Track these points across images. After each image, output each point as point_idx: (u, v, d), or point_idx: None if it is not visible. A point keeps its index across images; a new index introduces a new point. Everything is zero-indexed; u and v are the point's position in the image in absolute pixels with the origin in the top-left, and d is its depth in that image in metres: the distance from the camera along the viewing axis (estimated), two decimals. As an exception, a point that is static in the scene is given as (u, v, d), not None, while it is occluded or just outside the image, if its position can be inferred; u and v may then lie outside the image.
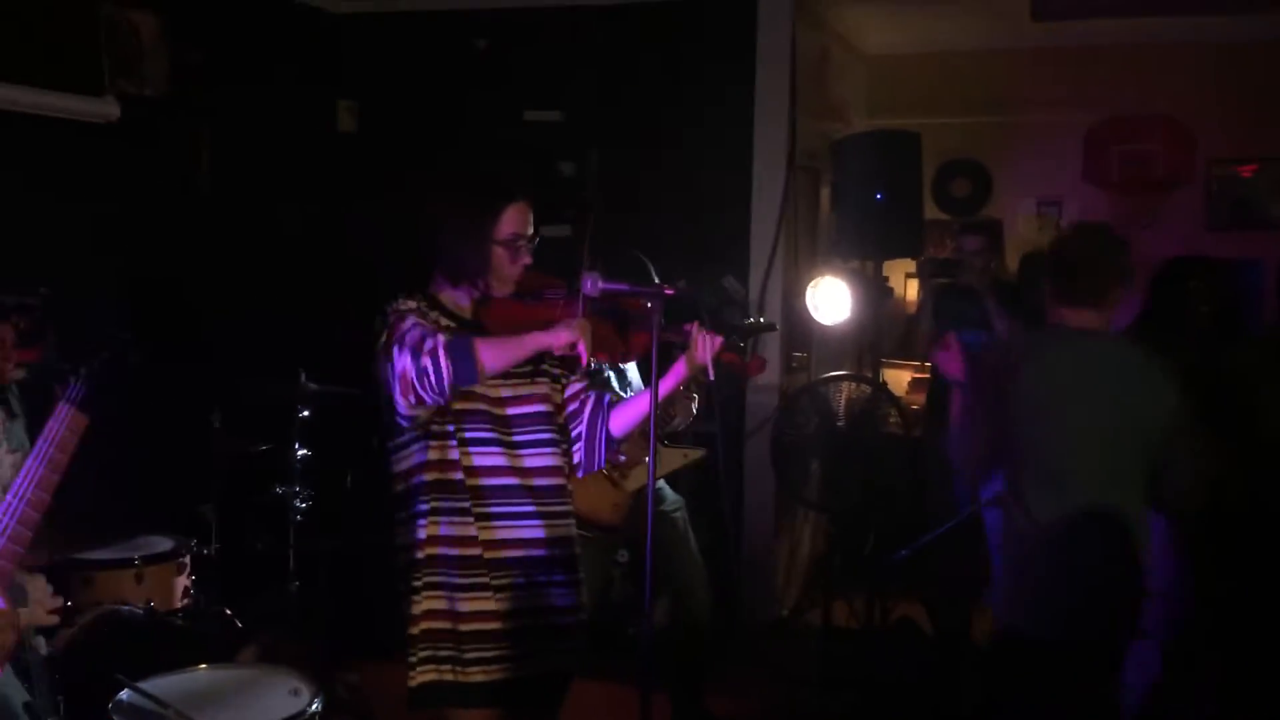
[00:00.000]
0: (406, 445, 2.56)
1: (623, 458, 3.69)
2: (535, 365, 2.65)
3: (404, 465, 2.58)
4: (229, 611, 3.83)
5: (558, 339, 2.46)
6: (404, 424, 2.52)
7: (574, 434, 2.71)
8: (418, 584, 2.54)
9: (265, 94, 5.25)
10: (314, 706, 2.75)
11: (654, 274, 3.86)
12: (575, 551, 2.70)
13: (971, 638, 5.03)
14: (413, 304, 2.56)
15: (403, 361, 2.38)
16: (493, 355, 2.42)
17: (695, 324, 2.66)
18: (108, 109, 4.44)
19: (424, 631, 2.55)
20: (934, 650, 4.80)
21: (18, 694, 2.30)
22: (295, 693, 2.79)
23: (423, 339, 2.40)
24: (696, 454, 4.13)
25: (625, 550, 4.59)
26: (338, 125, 5.74)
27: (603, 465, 2.77)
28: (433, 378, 2.36)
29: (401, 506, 2.59)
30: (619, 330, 2.70)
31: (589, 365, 2.64)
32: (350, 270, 5.29)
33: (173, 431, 4.18)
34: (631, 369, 3.97)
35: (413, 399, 2.40)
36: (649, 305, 2.55)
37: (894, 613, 5.03)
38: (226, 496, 4.08)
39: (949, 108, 6.22)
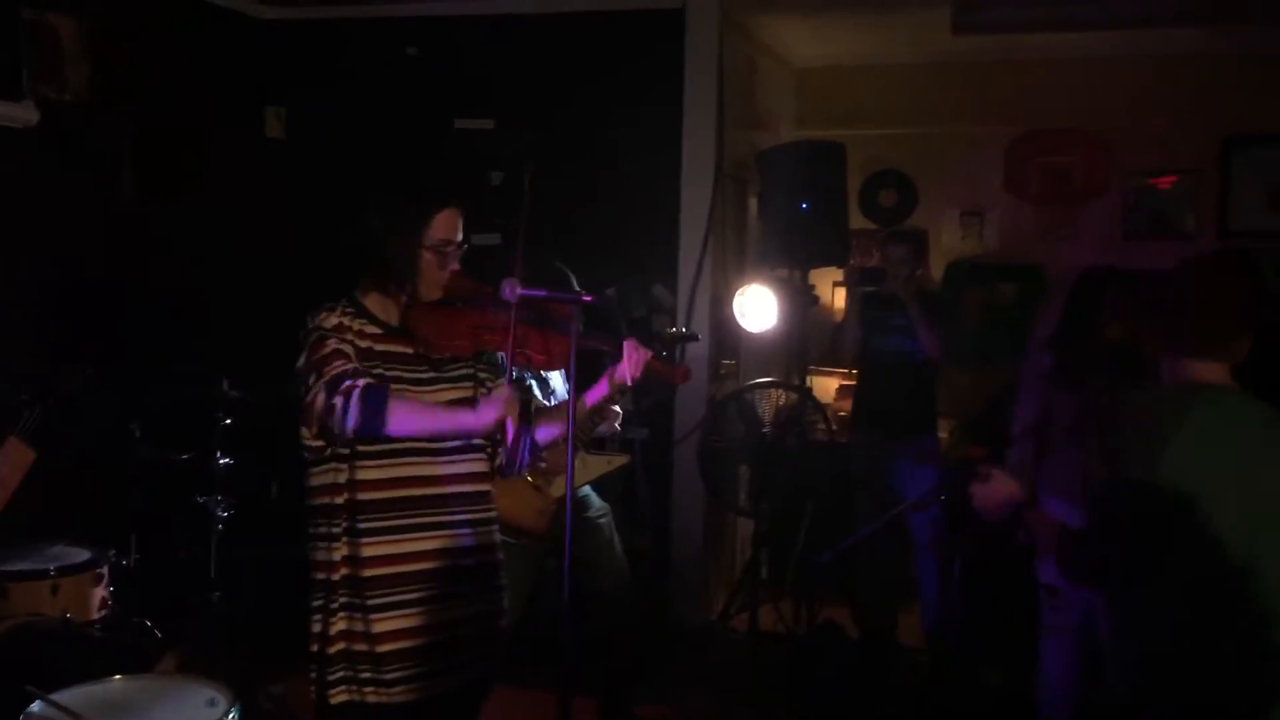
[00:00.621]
0: (320, 463, 2.54)
1: (544, 464, 3.71)
2: (464, 369, 2.66)
3: (317, 482, 2.55)
4: (148, 622, 3.78)
5: (483, 420, 2.47)
6: (305, 452, 2.53)
7: (498, 438, 2.68)
8: (334, 605, 2.52)
9: (191, 100, 5.20)
10: (230, 716, 2.72)
11: (574, 283, 3.89)
12: (498, 558, 2.70)
13: (896, 639, 5.12)
14: (335, 318, 2.54)
15: (315, 394, 2.40)
16: (405, 419, 2.43)
17: (630, 340, 2.70)
18: (27, 114, 4.39)
19: (340, 652, 2.52)
20: (860, 653, 4.87)
21: None
22: (212, 703, 2.76)
23: (340, 378, 2.40)
24: (620, 460, 4.16)
25: (554, 557, 4.60)
26: (265, 131, 5.70)
27: (525, 469, 2.77)
28: (339, 418, 2.37)
29: (315, 523, 2.56)
30: (542, 337, 2.73)
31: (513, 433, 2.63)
32: (275, 275, 5.25)
33: (91, 439, 4.13)
34: (555, 376, 3.99)
35: (315, 430, 2.43)
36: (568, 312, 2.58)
37: (821, 616, 5.09)
38: (146, 505, 4.03)
39: (876, 119, 6.32)
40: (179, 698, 2.81)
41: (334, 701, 2.53)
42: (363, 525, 2.50)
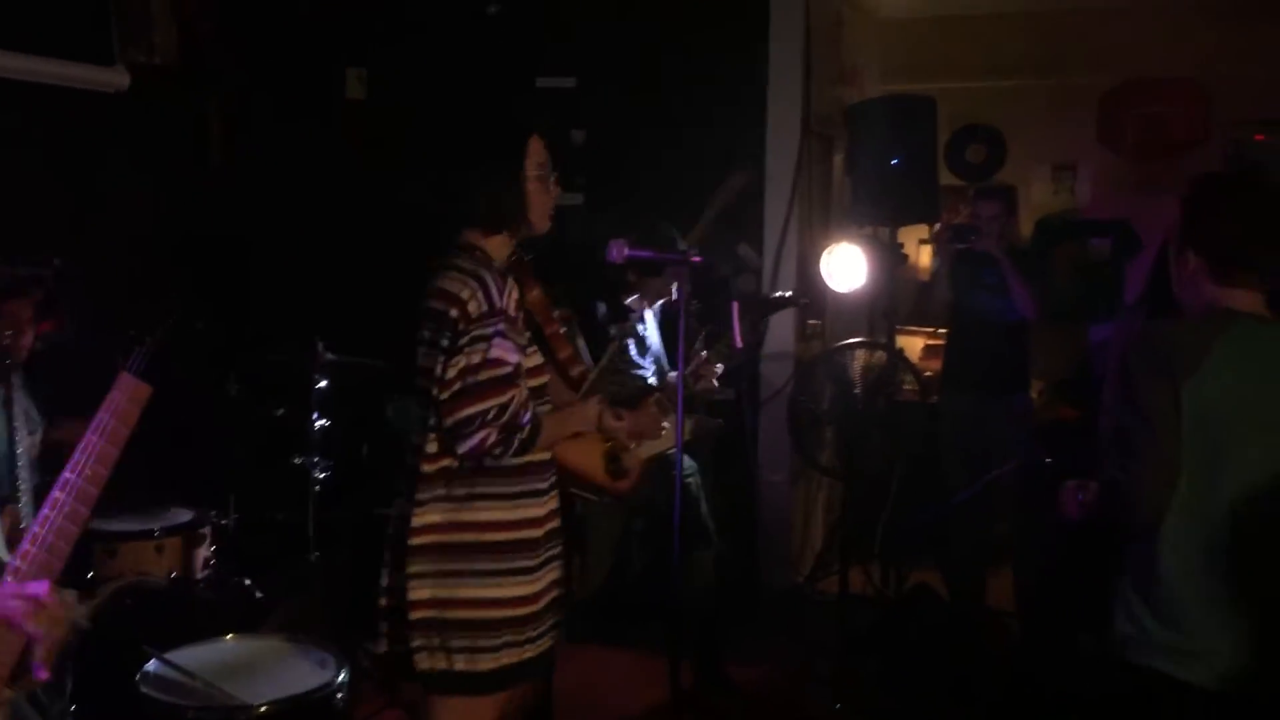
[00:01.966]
0: (435, 427, 2.49)
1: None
2: (527, 336, 2.60)
3: (434, 448, 2.49)
4: (249, 582, 3.84)
5: (589, 425, 2.60)
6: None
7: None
8: (424, 570, 2.47)
9: (274, 62, 5.22)
10: (341, 678, 2.76)
11: (679, 244, 3.85)
12: (561, 523, 2.68)
13: (986, 602, 5.05)
14: (485, 294, 2.41)
15: (484, 435, 2.37)
16: (545, 441, 2.49)
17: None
18: (118, 78, 4.42)
19: (430, 619, 2.48)
20: (950, 616, 4.81)
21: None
22: (323, 664, 2.80)
23: (514, 423, 2.39)
24: (712, 423, 4.13)
25: (640, 519, 4.59)
26: (347, 92, 5.69)
27: None
28: (498, 454, 2.40)
29: (413, 488, 2.50)
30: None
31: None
32: (360, 237, 5.27)
33: (190, 400, 4.17)
34: (653, 333, 3.95)
35: (471, 455, 2.41)
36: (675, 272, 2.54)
37: (910, 580, 5.04)
38: (245, 466, 4.07)
39: (963, 72, 6.17)
40: (291, 659, 2.85)
41: (427, 668, 2.51)
42: (480, 490, 2.48)
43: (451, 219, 2.57)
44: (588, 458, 3.42)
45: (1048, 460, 4.33)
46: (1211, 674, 2.16)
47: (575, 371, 2.71)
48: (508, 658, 2.49)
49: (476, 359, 2.37)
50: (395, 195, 4.92)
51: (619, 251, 2.60)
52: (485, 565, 2.46)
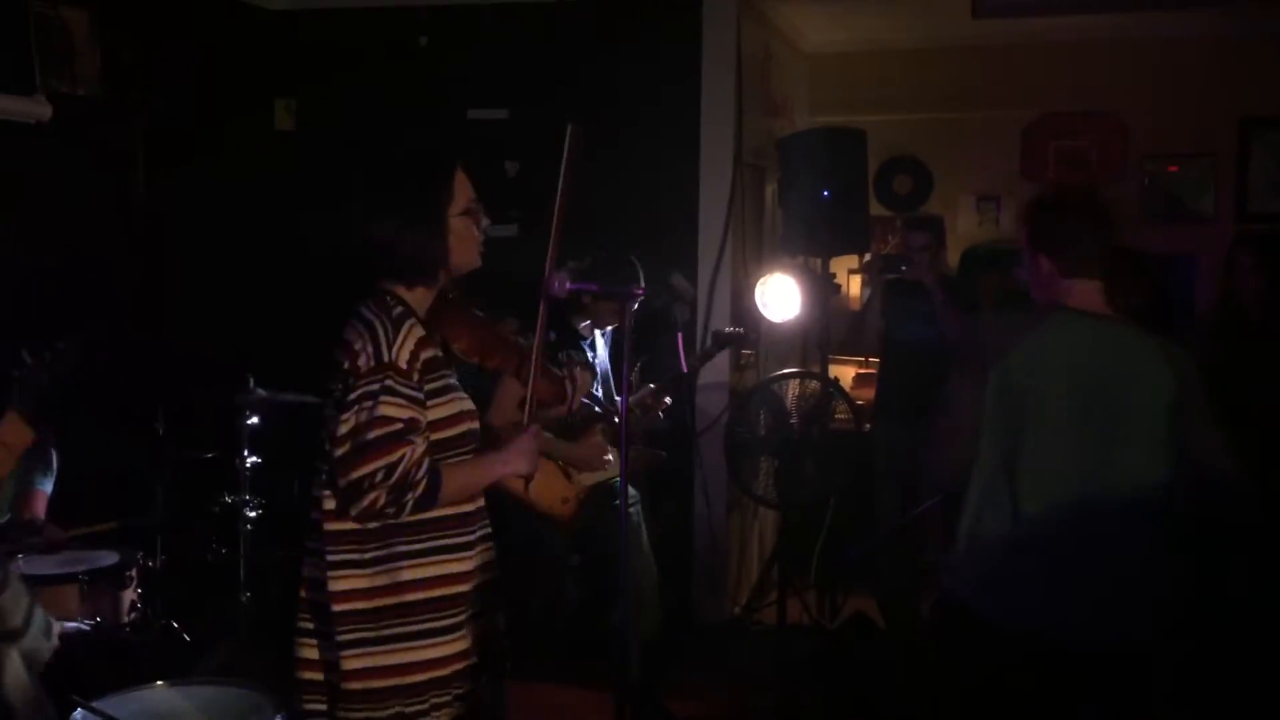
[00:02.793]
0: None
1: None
2: (445, 378, 2.45)
3: (331, 505, 2.36)
4: (176, 625, 3.73)
5: (513, 469, 2.45)
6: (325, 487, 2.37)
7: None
8: (357, 637, 2.33)
9: (201, 92, 5.13)
10: (276, 721, 2.68)
11: (641, 277, 3.87)
12: (498, 576, 2.57)
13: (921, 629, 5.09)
14: (380, 330, 2.31)
15: (373, 494, 2.24)
16: (452, 494, 2.35)
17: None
18: (39, 109, 4.30)
19: (369, 690, 2.33)
20: (888, 645, 4.84)
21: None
22: (257, 709, 2.72)
23: (405, 483, 2.26)
24: (657, 455, 4.14)
25: (576, 554, 4.56)
26: (275, 124, 5.63)
27: None
28: (393, 514, 2.28)
29: (322, 545, 2.37)
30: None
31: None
32: (291, 271, 5.19)
33: (115, 440, 4.07)
34: (600, 353, 3.96)
35: (363, 517, 2.29)
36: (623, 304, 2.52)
37: (846, 608, 5.07)
38: (173, 506, 3.97)
39: (890, 104, 6.28)
40: (224, 704, 2.77)
41: None
42: (403, 548, 2.34)
43: (373, 265, 2.44)
44: (540, 486, 3.35)
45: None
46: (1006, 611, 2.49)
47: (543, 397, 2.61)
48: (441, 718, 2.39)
49: (364, 417, 2.26)
50: (324, 229, 4.86)
51: (561, 285, 2.58)
52: (411, 627, 2.35)
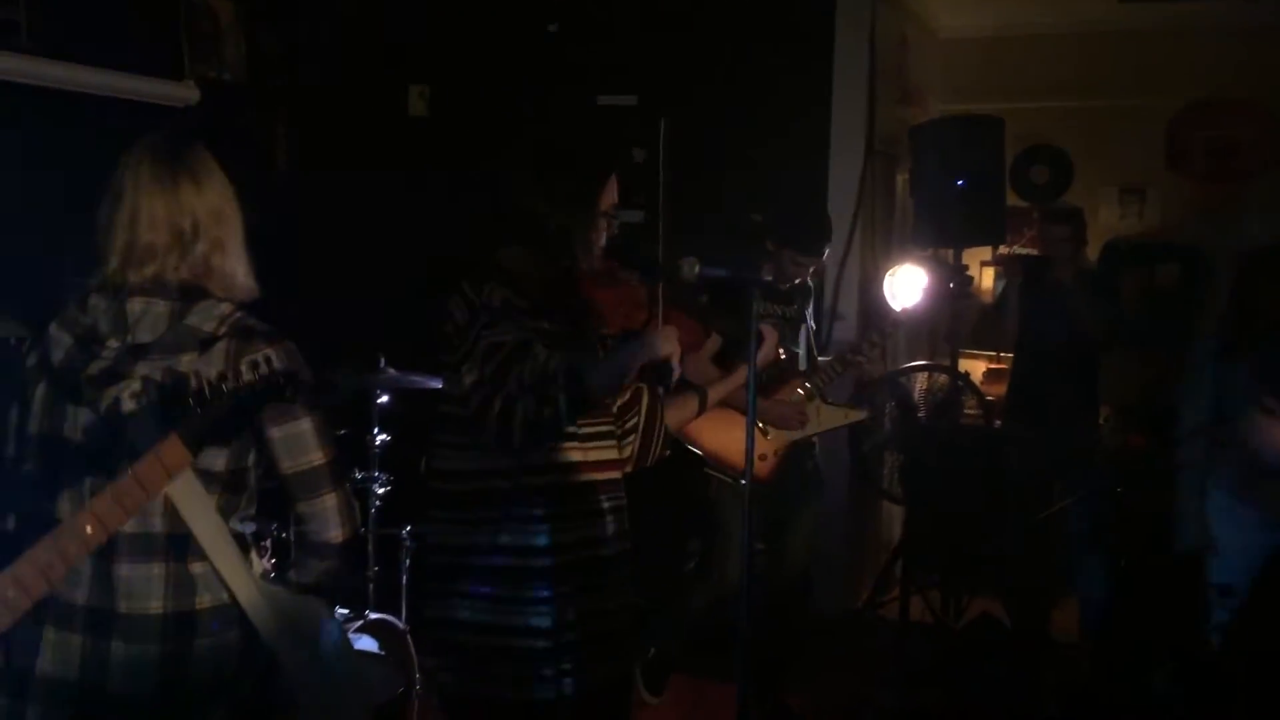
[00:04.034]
0: (470, 446, 2.36)
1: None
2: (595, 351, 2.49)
3: (463, 465, 2.37)
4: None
5: (650, 353, 2.34)
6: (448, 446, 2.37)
7: (629, 425, 2.56)
8: (470, 592, 2.34)
9: (339, 78, 5.25)
10: (403, 691, 2.73)
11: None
12: (630, 547, 2.53)
13: (1051, 634, 4.94)
14: (497, 300, 2.34)
15: (521, 407, 2.22)
16: (604, 384, 2.32)
17: (763, 327, 2.58)
18: (187, 93, 4.46)
19: (478, 645, 2.36)
20: (1014, 648, 4.71)
21: None
22: (387, 679, 2.78)
23: (544, 383, 2.24)
24: (858, 414, 4.09)
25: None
26: (409, 109, 5.72)
27: (659, 458, 2.61)
28: (554, 428, 2.25)
29: (465, 508, 2.37)
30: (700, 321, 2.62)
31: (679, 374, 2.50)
32: (423, 253, 5.27)
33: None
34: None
35: (532, 441, 2.27)
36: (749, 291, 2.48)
37: (970, 608, 4.95)
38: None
39: (1029, 92, 6.08)
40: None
41: (471, 696, 2.38)
42: (519, 512, 2.34)
43: (503, 237, 2.46)
44: (725, 437, 3.28)
45: (1119, 489, 4.24)
46: None
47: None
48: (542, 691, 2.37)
49: (477, 357, 2.27)
50: (458, 214, 4.92)
51: (690, 269, 2.55)
52: (531, 592, 2.34)
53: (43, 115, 3.90)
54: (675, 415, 2.61)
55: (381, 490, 4.01)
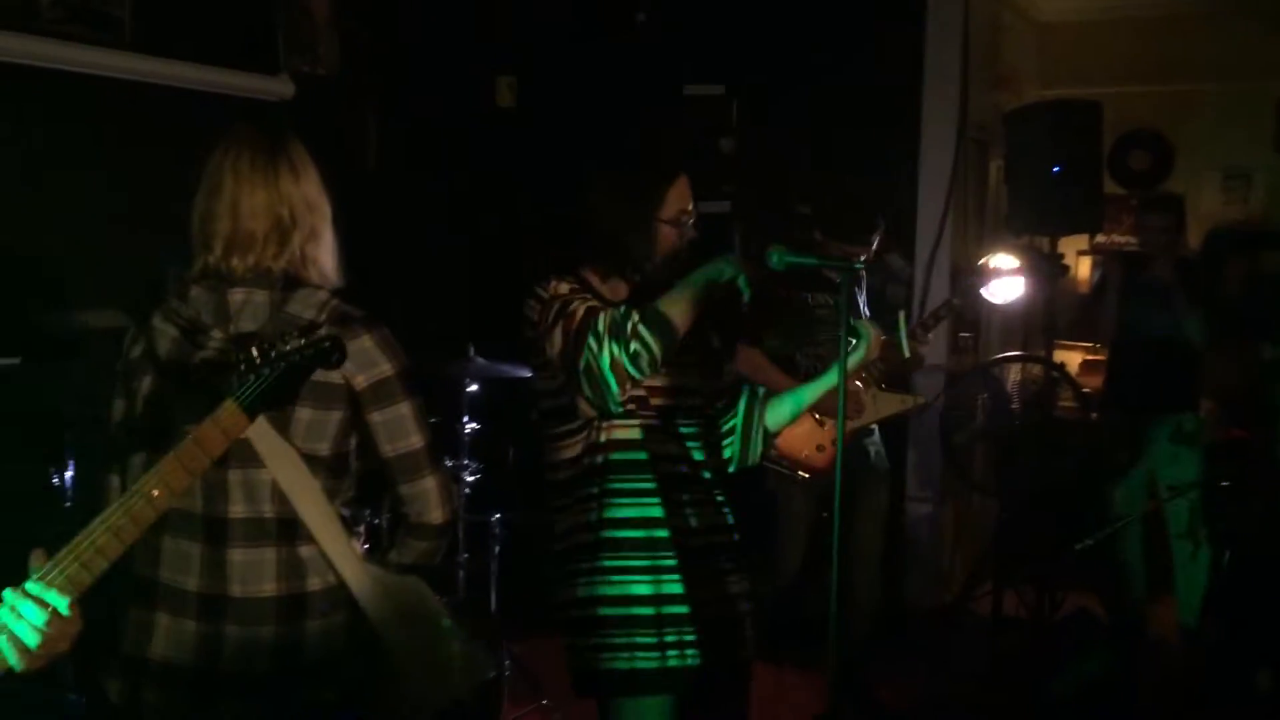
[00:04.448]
0: (578, 430, 2.44)
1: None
2: (693, 356, 2.52)
3: (574, 451, 2.45)
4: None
5: (722, 273, 2.34)
6: (606, 409, 2.38)
7: (726, 426, 2.60)
8: (589, 566, 2.43)
9: (428, 71, 5.30)
10: (493, 675, 2.76)
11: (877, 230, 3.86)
12: (735, 540, 2.56)
13: (1149, 633, 4.82)
14: (566, 287, 2.43)
15: (606, 352, 2.27)
16: (679, 309, 2.32)
17: (863, 321, 2.56)
18: (283, 87, 4.54)
19: (595, 617, 2.42)
20: (1111, 646, 4.60)
21: None
22: (486, 661, 2.80)
23: (615, 324, 2.29)
24: (915, 401, 4.03)
25: (825, 510, 4.46)
26: (497, 100, 5.76)
27: (759, 460, 2.64)
28: (645, 357, 2.27)
29: (570, 491, 2.47)
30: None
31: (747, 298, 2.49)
32: (511, 245, 5.32)
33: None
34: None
35: (629, 385, 2.31)
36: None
37: (1066, 604, 4.85)
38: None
39: (1128, 75, 5.92)
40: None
41: (585, 668, 2.44)
42: (631, 486, 2.42)
43: (574, 244, 2.51)
44: (790, 436, 3.25)
45: (1224, 483, 4.11)
46: None
47: None
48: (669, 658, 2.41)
49: (556, 330, 2.34)
50: (542, 206, 4.96)
51: (779, 259, 2.54)
52: (625, 562, 2.41)
53: (143, 110, 4.00)
54: (773, 417, 2.60)
55: (471, 478, 4.05)
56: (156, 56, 4.01)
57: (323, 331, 1.80)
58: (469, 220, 5.41)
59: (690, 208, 2.50)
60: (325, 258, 2.12)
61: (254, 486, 1.95)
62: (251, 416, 1.73)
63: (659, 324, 2.28)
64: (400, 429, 2.05)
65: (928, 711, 4.23)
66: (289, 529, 1.96)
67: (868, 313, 4.18)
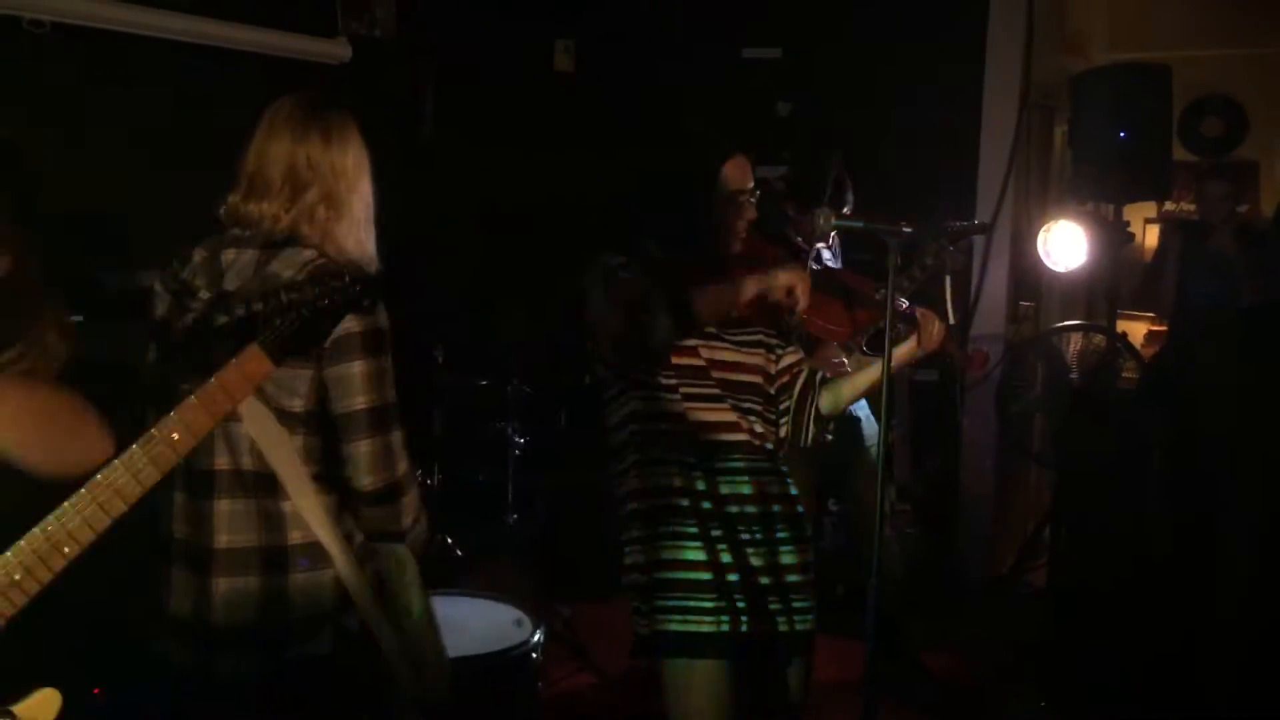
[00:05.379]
0: (618, 396, 2.50)
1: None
2: (754, 335, 2.54)
3: (616, 418, 2.51)
4: (449, 540, 3.92)
5: (775, 281, 2.37)
6: (609, 375, 2.47)
7: (781, 407, 2.59)
8: (633, 535, 2.48)
9: (484, 34, 5.29)
10: (536, 638, 2.78)
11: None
12: (798, 512, 2.57)
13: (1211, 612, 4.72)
14: (619, 259, 2.46)
15: (616, 317, 2.32)
16: (706, 306, 2.34)
17: (919, 311, 2.51)
18: (340, 50, 4.56)
19: (652, 581, 2.45)
20: (1166, 619, 4.52)
21: None
22: (519, 623, 2.83)
23: (638, 297, 2.32)
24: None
25: (834, 500, 4.47)
26: (554, 65, 5.74)
27: (811, 442, 2.62)
28: (659, 333, 2.30)
29: (623, 456, 2.52)
30: (846, 308, 2.60)
31: (799, 316, 2.48)
32: (567, 212, 5.31)
33: (398, 366, 4.30)
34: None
35: (661, 356, 2.35)
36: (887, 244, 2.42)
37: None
38: (449, 429, 4.17)
39: (1201, 39, 5.73)
40: (489, 617, 2.89)
41: (637, 632, 2.47)
42: (658, 456, 2.45)
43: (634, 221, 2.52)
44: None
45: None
46: None
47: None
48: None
49: (602, 298, 2.39)
50: (597, 174, 4.93)
51: (826, 220, 2.51)
52: (673, 528, 2.44)
53: (201, 72, 4.04)
54: (829, 401, 2.60)
55: (521, 440, 4.08)
56: (215, 19, 4.04)
57: (351, 280, 1.80)
58: (525, 187, 5.41)
59: (748, 186, 2.49)
60: (345, 232, 2.09)
61: (234, 439, 1.98)
62: (276, 360, 1.74)
63: (677, 310, 2.30)
64: (347, 387, 1.99)
65: (979, 680, 4.19)
66: (266, 483, 1.97)
67: (905, 302, 4.09)
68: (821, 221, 2.57)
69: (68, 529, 1.60)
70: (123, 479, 1.63)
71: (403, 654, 2.08)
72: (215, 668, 2.00)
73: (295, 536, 1.98)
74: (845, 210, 3.72)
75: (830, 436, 3.88)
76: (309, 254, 2.02)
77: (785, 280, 2.38)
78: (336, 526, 1.99)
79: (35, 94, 3.56)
